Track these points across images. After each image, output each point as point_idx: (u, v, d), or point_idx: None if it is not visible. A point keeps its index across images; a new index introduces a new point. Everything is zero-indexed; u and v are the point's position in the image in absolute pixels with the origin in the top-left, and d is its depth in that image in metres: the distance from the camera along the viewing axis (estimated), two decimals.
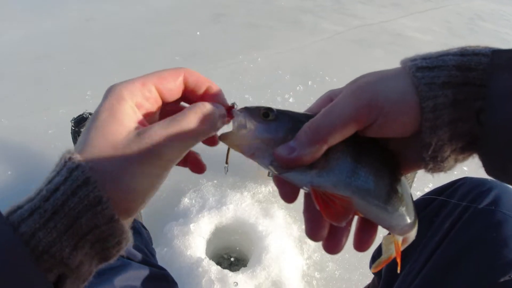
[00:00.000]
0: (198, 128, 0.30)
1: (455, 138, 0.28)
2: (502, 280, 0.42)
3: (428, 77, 0.28)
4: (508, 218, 0.47)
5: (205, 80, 0.34)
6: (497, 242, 0.45)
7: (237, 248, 1.11)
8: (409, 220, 0.33)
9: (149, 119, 0.31)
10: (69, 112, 1.22)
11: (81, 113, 1.17)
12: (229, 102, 0.35)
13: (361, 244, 0.34)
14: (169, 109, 0.34)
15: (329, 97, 0.34)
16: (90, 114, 1.16)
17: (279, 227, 1.08)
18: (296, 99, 1.55)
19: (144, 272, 0.58)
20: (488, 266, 0.44)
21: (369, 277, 0.91)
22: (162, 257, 0.97)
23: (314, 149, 0.29)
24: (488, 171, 0.29)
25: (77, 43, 1.94)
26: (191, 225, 1.01)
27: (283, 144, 0.30)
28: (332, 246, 0.32)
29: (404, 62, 0.30)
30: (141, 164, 0.27)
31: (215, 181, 1.22)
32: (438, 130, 0.28)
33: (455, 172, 1.41)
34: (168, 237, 1.01)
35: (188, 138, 0.30)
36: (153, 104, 0.31)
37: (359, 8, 2.66)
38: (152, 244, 0.76)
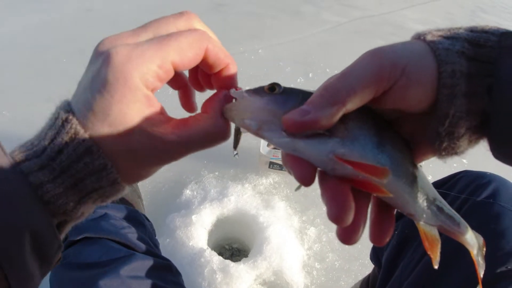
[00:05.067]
0: (206, 141, 0.30)
1: (470, 113, 0.27)
2: (499, 270, 0.43)
3: (445, 43, 0.27)
4: (506, 210, 0.48)
5: (225, 57, 0.31)
6: (495, 234, 0.46)
7: (239, 239, 1.13)
8: (430, 208, 0.30)
9: (155, 88, 0.29)
10: None
11: None
12: (243, 85, 0.33)
13: (380, 235, 0.30)
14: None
15: None
16: None
17: (280, 218, 1.09)
18: None
19: (148, 262, 0.59)
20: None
21: (369, 267, 0.92)
22: (164, 248, 0.98)
23: (332, 111, 0.26)
24: (496, 155, 0.28)
25: (78, 33, 1.93)
26: (193, 216, 1.02)
27: (294, 110, 0.27)
28: (350, 234, 0.28)
29: (416, 35, 0.29)
30: (140, 135, 0.27)
31: (217, 173, 1.23)
32: (455, 100, 0.26)
33: (455, 165, 1.42)
34: (170, 228, 1.02)
35: (196, 146, 0.30)
36: (164, 81, 0.29)
37: None
38: (155, 236, 0.77)
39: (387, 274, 0.54)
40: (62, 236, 0.30)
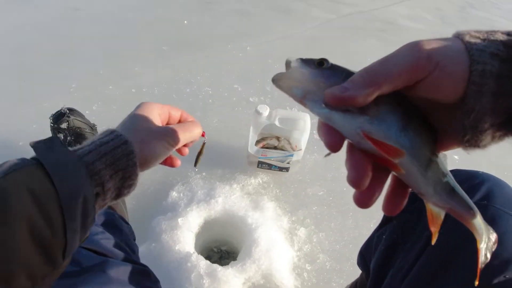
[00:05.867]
0: (193, 133, 0.53)
1: (496, 111, 0.29)
2: (496, 281, 0.40)
3: (480, 44, 0.29)
4: (501, 213, 0.45)
5: (187, 116, 0.57)
6: None
7: (227, 241, 1.10)
8: (441, 193, 0.33)
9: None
10: (54, 106, 1.17)
11: (59, 108, 1.13)
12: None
13: (392, 207, 0.34)
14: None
15: None
16: (68, 109, 1.13)
17: (269, 219, 1.07)
18: None
19: (124, 268, 0.56)
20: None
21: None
22: (150, 252, 0.95)
23: (368, 91, 0.29)
24: None
25: (61, 34, 1.88)
26: (179, 219, 0.99)
27: (336, 85, 0.30)
28: (365, 199, 0.32)
29: (456, 33, 0.31)
30: (158, 141, 0.47)
31: (204, 174, 1.20)
32: (482, 97, 0.29)
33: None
34: (156, 232, 0.99)
35: (187, 136, 0.51)
36: (164, 119, 0.53)
37: None
38: (135, 239, 0.74)
39: (376, 280, 0.51)
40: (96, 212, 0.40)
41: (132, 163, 0.42)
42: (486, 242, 0.35)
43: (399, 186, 0.34)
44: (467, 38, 0.30)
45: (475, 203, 0.46)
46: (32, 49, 1.76)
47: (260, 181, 1.21)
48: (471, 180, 0.50)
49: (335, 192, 1.21)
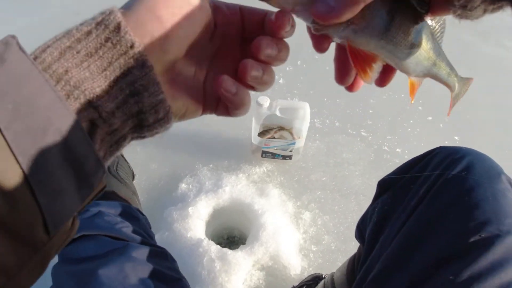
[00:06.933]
0: None
1: None
2: (472, 239, 0.44)
3: None
4: (479, 183, 0.49)
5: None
6: (468, 206, 0.47)
7: (236, 228, 1.16)
8: (424, 67, 0.37)
9: None
10: None
11: None
12: None
13: (381, 82, 0.37)
14: None
15: None
16: None
17: (274, 205, 1.12)
18: (287, 80, 1.56)
19: (144, 250, 0.62)
20: (460, 228, 0.46)
21: None
22: (163, 241, 1.01)
23: (353, 8, 0.29)
24: None
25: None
26: (190, 209, 1.05)
27: (322, 1, 0.29)
28: (352, 86, 0.36)
29: None
30: (166, 4, 0.27)
31: (211, 165, 1.25)
32: None
33: (446, 142, 1.43)
34: (168, 222, 1.05)
35: None
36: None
37: None
38: (150, 228, 0.80)
39: (369, 248, 0.56)
40: (105, 160, 0.27)
41: (139, 63, 0.26)
42: (459, 91, 0.42)
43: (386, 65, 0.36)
44: None
45: (455, 175, 0.51)
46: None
47: (265, 170, 1.26)
48: (453, 155, 0.54)
49: (338, 177, 1.26)
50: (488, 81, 1.55)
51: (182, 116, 0.32)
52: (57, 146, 0.22)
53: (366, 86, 0.39)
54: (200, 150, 1.29)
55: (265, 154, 1.27)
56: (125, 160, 1.07)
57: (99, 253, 0.59)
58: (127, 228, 0.66)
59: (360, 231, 0.65)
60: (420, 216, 0.49)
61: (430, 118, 1.48)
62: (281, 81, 1.57)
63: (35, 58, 0.23)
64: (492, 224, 0.44)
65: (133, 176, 1.09)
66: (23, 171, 0.21)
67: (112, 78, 0.25)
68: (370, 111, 1.49)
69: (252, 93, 0.34)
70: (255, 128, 1.23)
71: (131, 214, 0.73)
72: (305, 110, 1.22)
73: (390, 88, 1.59)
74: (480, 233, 0.44)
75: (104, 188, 0.27)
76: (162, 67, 0.28)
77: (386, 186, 0.60)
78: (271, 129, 1.26)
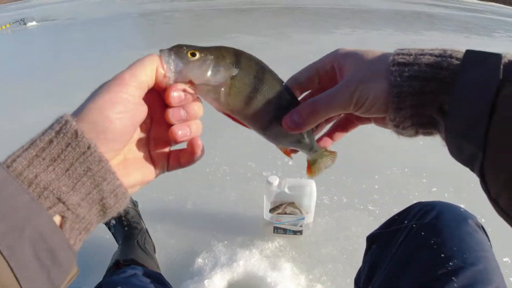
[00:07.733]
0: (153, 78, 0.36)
1: (416, 116, 0.35)
2: (440, 272, 0.52)
3: (399, 70, 0.35)
4: (448, 226, 0.57)
5: None
6: (437, 244, 0.55)
7: None
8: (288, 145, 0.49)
9: None
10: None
11: None
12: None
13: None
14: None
15: (316, 69, 0.44)
16: None
17: (287, 278, 1.16)
18: (295, 161, 1.70)
19: None
20: (430, 263, 0.53)
21: None
22: None
23: (311, 123, 0.40)
24: (450, 151, 0.35)
25: None
26: (206, 281, 1.10)
27: (289, 116, 0.41)
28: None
29: (392, 54, 0.37)
30: (112, 106, 0.32)
31: (226, 242, 1.33)
32: (400, 111, 0.35)
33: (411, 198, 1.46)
34: None
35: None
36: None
37: None
38: None
39: None
40: (74, 243, 0.30)
41: (95, 160, 0.30)
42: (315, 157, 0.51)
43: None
44: (391, 65, 0.35)
45: (428, 222, 0.60)
46: None
47: (277, 245, 1.32)
48: (426, 207, 0.63)
49: (348, 250, 1.30)
50: None
51: (141, 184, 0.37)
52: (34, 239, 0.26)
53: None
54: (216, 228, 1.38)
55: (277, 230, 1.34)
56: (149, 236, 1.17)
57: None
58: None
59: (357, 284, 0.71)
60: (399, 258, 0.57)
61: (435, 189, 1.56)
62: (290, 162, 1.71)
63: (8, 167, 0.28)
64: (457, 258, 0.52)
65: (154, 250, 1.18)
66: (8, 263, 0.25)
67: (75, 176, 0.30)
68: (376, 186, 1.58)
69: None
70: (267, 205, 1.33)
71: (162, 281, 0.82)
72: (311, 187, 1.32)
73: (393, 163, 1.69)
74: (446, 266, 0.52)
75: (77, 272, 0.31)
76: (114, 153, 0.33)
77: (373, 239, 0.68)
78: (281, 204, 1.36)
